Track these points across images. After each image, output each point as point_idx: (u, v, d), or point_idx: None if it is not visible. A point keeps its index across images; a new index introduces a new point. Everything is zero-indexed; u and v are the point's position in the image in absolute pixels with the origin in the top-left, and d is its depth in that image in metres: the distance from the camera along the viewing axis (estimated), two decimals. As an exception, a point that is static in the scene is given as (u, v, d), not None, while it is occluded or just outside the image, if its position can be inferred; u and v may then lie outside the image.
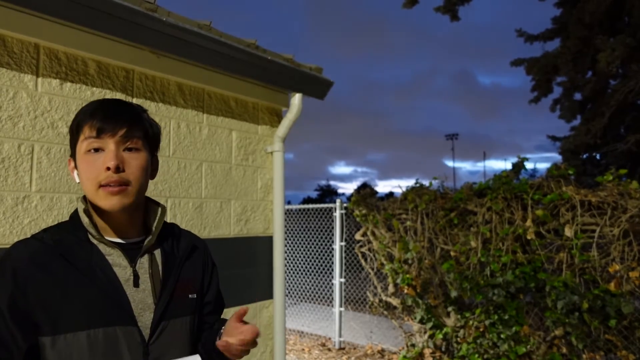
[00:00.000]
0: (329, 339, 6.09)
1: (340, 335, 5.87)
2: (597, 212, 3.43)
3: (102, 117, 0.97)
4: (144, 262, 1.05)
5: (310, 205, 6.70)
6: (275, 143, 2.91)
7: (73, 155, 1.03)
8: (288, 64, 2.77)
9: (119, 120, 0.98)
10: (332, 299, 6.16)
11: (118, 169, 0.96)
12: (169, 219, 2.35)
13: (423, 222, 4.45)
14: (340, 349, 5.74)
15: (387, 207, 4.88)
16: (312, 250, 6.96)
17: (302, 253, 7.16)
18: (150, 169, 1.07)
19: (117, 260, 1.02)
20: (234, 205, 2.73)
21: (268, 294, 2.91)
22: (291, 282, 7.36)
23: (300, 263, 7.24)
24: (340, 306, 5.97)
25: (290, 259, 7.33)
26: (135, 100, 2.24)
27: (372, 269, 5.11)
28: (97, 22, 1.90)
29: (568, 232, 3.44)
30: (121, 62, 2.15)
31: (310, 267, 7.04)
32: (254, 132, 2.88)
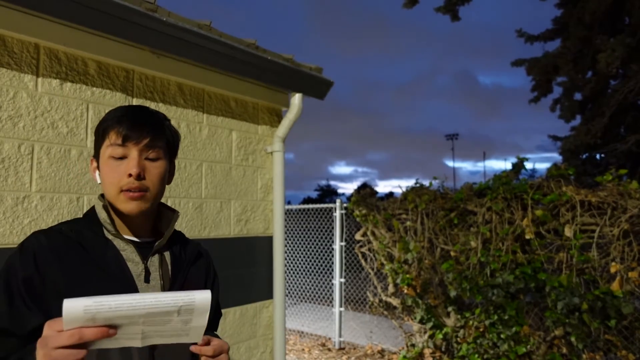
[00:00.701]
0: (329, 339, 6.09)
1: (340, 335, 5.87)
2: (597, 212, 3.43)
3: (128, 125, 1.03)
4: (154, 260, 1.09)
5: (310, 205, 6.70)
6: (275, 143, 2.91)
7: (96, 156, 1.08)
8: (288, 64, 2.77)
9: (144, 130, 1.04)
10: (332, 299, 6.17)
11: (139, 177, 1.02)
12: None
13: (423, 222, 4.45)
14: (340, 349, 5.75)
15: (387, 207, 4.88)
16: (312, 250, 6.96)
17: (302, 253, 7.16)
18: (168, 175, 1.13)
19: (131, 256, 1.06)
20: (234, 205, 2.73)
21: (268, 294, 2.91)
22: (291, 282, 7.36)
23: (300, 263, 7.24)
24: (340, 306, 5.97)
25: (290, 259, 7.33)
26: (135, 101, 2.24)
27: (372, 269, 5.11)
28: (97, 22, 1.90)
29: (568, 232, 3.44)
30: (121, 62, 2.15)
31: (310, 267, 7.05)
32: (254, 132, 2.88)
